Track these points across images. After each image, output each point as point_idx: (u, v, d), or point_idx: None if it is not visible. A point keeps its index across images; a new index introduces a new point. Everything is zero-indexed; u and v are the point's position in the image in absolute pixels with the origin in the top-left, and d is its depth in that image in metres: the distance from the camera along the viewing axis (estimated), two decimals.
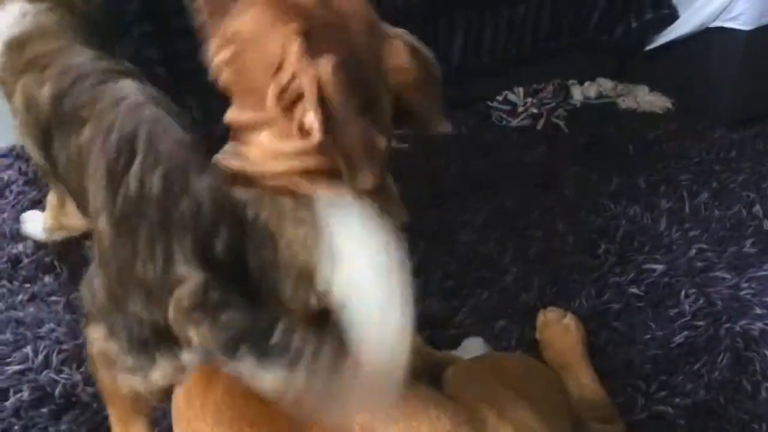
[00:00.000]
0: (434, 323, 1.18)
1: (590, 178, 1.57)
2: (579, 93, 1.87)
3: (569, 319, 1.13)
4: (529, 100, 1.83)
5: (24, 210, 1.42)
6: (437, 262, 1.31)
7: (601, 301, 1.22)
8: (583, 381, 1.04)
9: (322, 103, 0.62)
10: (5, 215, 1.43)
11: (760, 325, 1.18)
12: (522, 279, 1.27)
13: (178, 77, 1.51)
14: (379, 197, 0.68)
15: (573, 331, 1.11)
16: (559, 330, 1.12)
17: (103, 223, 0.75)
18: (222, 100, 1.43)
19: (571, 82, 1.88)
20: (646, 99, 1.86)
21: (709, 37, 1.69)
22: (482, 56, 1.76)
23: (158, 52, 1.47)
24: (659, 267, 1.29)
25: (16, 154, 1.57)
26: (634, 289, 1.25)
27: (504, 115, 1.81)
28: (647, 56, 1.86)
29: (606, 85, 1.90)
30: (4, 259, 1.32)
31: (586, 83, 1.90)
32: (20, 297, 1.24)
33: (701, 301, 1.22)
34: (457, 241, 1.37)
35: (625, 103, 1.86)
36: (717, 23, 1.66)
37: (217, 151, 0.73)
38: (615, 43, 1.86)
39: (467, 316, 1.20)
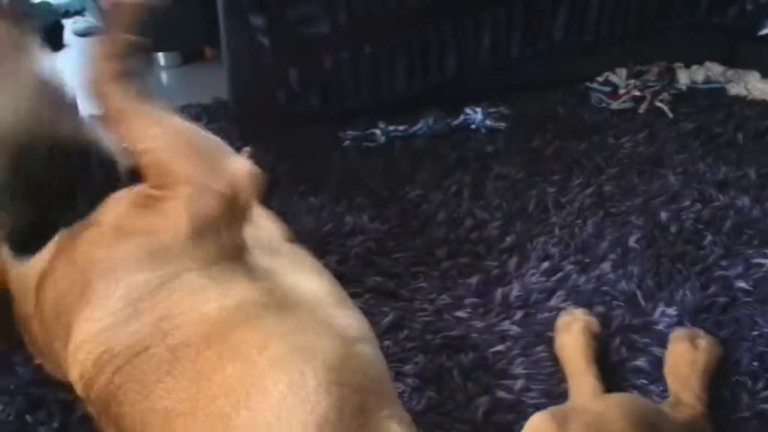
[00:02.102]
0: (528, 303, 1.17)
1: (696, 166, 1.51)
2: (686, 77, 1.80)
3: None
4: (632, 82, 1.78)
5: None
6: (534, 242, 1.30)
7: (705, 294, 1.18)
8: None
9: None
10: None
11: None
12: (620, 266, 1.24)
13: (282, 48, 1.54)
14: None
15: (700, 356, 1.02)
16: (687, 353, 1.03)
17: None
18: (323, 69, 1.47)
19: (677, 64, 1.81)
20: (758, 86, 1.77)
21: None
22: (585, 33, 1.71)
23: (264, 21, 1.49)
24: None
25: None
26: (741, 284, 1.19)
27: (604, 97, 1.76)
28: (760, 41, 1.77)
29: (715, 69, 1.82)
30: None
31: (694, 67, 1.82)
32: None
33: None
34: (554, 223, 1.34)
35: (734, 89, 1.78)
36: None
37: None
38: (727, 26, 1.77)
39: (563, 299, 1.17)
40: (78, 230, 0.87)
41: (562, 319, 1.08)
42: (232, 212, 0.83)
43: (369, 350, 0.83)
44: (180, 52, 2.14)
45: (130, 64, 0.89)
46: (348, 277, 1.22)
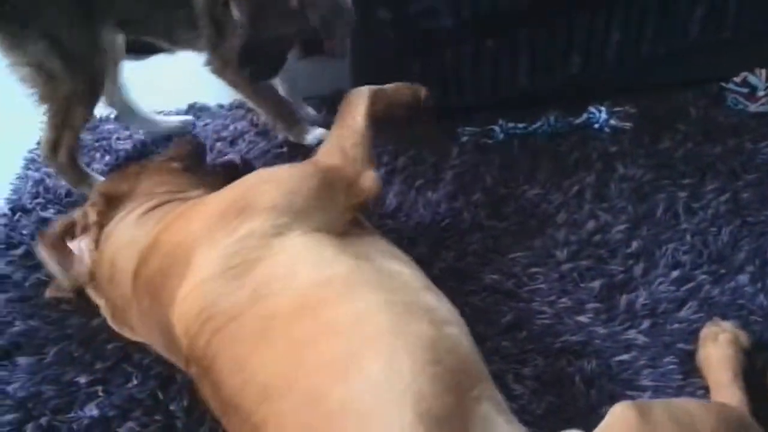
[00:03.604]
0: (656, 312, 1.11)
1: None
2: None
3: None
4: None
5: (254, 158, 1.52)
6: (663, 248, 1.23)
7: None
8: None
9: None
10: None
11: None
12: (759, 279, 1.16)
13: (405, 41, 1.54)
14: None
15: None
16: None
17: None
18: (444, 63, 1.51)
19: None
20: None
21: None
22: (724, 29, 1.60)
23: (390, 14, 1.49)
24: None
25: (248, 107, 1.69)
26: None
27: (741, 99, 1.65)
28: None
29: None
30: None
31: None
32: None
33: None
34: (685, 229, 1.27)
35: None
36: None
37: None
38: None
39: (695, 310, 1.11)
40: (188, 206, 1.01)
41: (709, 330, 1.02)
42: (353, 197, 1.01)
43: (458, 332, 0.85)
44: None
45: None
46: (465, 274, 1.21)
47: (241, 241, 0.87)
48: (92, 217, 1.08)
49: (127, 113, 1.63)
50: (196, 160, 1.31)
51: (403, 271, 0.93)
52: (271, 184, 0.97)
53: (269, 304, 0.82)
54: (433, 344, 0.78)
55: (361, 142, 1.08)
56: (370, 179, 1.05)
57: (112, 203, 1.11)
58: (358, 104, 1.13)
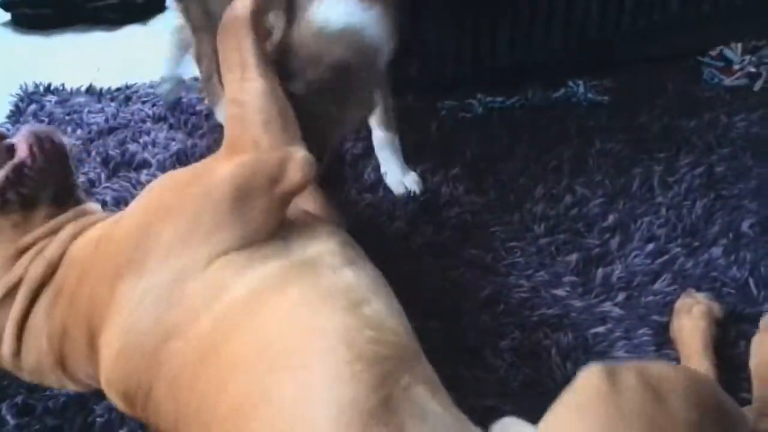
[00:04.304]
0: (632, 285, 1.13)
1: None
2: None
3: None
4: (747, 57, 1.66)
5: None
6: (638, 222, 1.24)
7: None
8: None
9: None
10: None
11: None
12: (732, 252, 1.17)
13: None
14: None
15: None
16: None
17: None
18: (424, 38, 1.41)
19: None
20: None
21: None
22: (704, 3, 1.61)
23: None
24: None
25: None
26: None
27: (717, 72, 1.66)
28: None
29: None
30: None
31: None
32: None
33: None
34: (660, 203, 1.28)
35: None
36: None
37: None
38: None
39: (669, 282, 1.12)
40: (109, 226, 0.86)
41: (683, 301, 1.03)
42: (278, 192, 0.82)
43: (381, 308, 0.77)
44: None
45: (271, 20, 0.90)
46: (444, 249, 1.21)
47: (142, 302, 0.77)
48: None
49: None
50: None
51: (321, 250, 0.82)
52: (167, 221, 0.80)
53: (174, 361, 0.74)
54: (351, 337, 0.71)
55: (268, 110, 0.85)
56: (295, 165, 0.83)
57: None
58: (241, 38, 0.87)
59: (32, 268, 0.85)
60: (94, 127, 1.55)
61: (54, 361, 0.85)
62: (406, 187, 1.33)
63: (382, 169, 1.36)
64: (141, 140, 1.52)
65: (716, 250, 1.18)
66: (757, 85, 1.63)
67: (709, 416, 0.65)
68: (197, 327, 0.74)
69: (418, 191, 1.32)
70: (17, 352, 0.86)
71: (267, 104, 0.85)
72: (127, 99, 1.67)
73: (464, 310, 1.09)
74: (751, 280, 1.12)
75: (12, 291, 0.85)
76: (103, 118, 1.60)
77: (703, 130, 1.47)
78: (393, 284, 0.85)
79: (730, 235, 1.21)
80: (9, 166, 0.89)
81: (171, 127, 1.56)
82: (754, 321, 1.04)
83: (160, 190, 0.84)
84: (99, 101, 1.65)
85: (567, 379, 0.97)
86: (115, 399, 0.82)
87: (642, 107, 1.55)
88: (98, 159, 1.46)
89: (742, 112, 1.53)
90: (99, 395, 0.97)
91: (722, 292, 1.10)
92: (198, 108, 1.62)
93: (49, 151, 0.91)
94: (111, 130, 1.55)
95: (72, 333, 0.83)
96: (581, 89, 1.60)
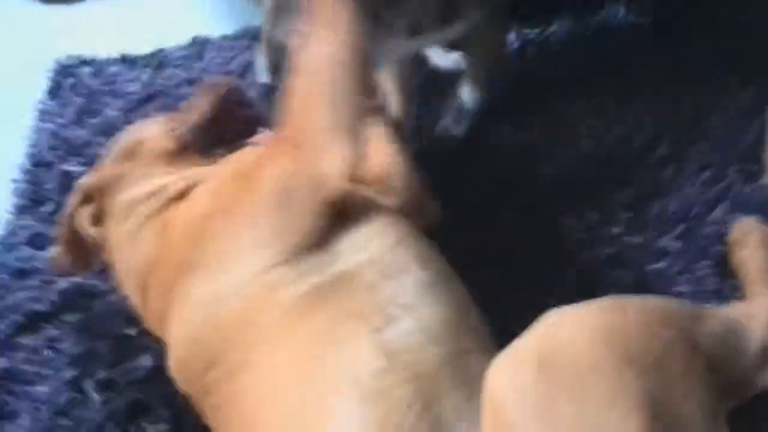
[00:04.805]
0: (688, 217, 1.11)
1: None
2: None
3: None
4: None
5: None
6: (689, 150, 1.21)
7: None
8: None
9: None
10: None
11: None
12: None
13: None
14: None
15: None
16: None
17: None
18: None
19: None
20: None
21: None
22: None
23: None
24: None
25: (252, 36, 1.64)
26: None
27: None
28: None
29: None
30: None
31: None
32: None
33: None
34: (712, 126, 1.25)
35: None
36: None
37: None
38: None
39: (727, 211, 1.10)
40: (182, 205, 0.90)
41: (738, 231, 1.02)
42: (316, 198, 0.78)
43: (409, 325, 0.71)
44: None
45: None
46: (488, 198, 1.20)
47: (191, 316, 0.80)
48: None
49: None
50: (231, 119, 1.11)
51: (363, 260, 0.77)
52: (222, 227, 0.81)
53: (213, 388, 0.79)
54: (380, 374, 0.66)
55: (341, 93, 0.79)
56: (331, 163, 0.77)
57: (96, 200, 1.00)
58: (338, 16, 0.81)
59: (172, 185, 0.93)
60: (133, 97, 1.56)
61: (139, 281, 0.91)
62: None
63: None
64: (181, 106, 1.52)
65: None
66: None
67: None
68: (232, 358, 0.74)
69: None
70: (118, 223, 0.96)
71: (345, 77, 0.79)
72: (160, 64, 1.67)
73: (520, 255, 1.09)
74: None
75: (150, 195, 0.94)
76: (139, 85, 1.60)
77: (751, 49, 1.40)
78: None
79: None
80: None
81: None
82: None
83: (222, 184, 0.86)
84: (133, 69, 1.64)
85: None
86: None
87: (686, 27, 1.48)
88: None
89: None
90: None
91: None
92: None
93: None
94: (149, 98, 1.56)
95: (160, 273, 0.87)
96: (621, 12, 1.54)
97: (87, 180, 1.04)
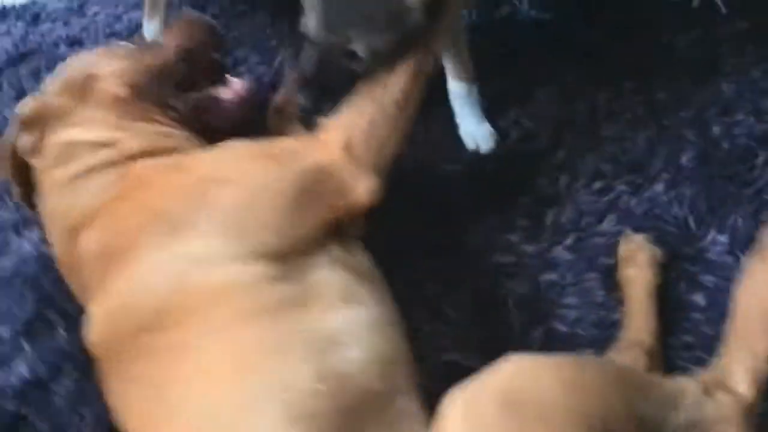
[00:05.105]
0: (579, 227, 1.15)
1: (749, 72, 1.43)
2: None
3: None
4: None
5: None
6: (584, 157, 1.25)
7: (757, 221, 1.16)
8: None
9: None
10: None
11: None
12: (672, 188, 1.21)
13: None
14: None
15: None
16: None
17: None
18: None
19: None
20: None
21: None
22: None
23: None
24: None
25: None
26: None
27: None
28: None
29: None
30: None
31: None
32: None
33: None
34: (606, 136, 1.29)
35: None
36: None
37: None
38: None
39: (614, 223, 1.16)
40: (161, 168, 0.86)
41: (626, 248, 1.06)
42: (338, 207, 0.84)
43: (356, 355, 0.73)
44: None
45: None
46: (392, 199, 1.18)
47: (174, 261, 0.76)
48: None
49: None
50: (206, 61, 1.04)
51: (328, 280, 0.79)
52: (225, 194, 0.80)
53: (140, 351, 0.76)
54: (309, 400, 0.68)
55: (394, 126, 0.90)
56: (365, 187, 0.85)
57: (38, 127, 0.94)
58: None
59: (133, 141, 0.91)
60: (2, 55, 1.40)
61: (70, 228, 0.86)
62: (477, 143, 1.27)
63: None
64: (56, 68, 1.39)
65: (658, 186, 1.21)
66: (696, 2, 1.61)
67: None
68: (174, 330, 0.72)
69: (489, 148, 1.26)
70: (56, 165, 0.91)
71: (387, 123, 0.89)
72: (36, 18, 1.50)
73: (418, 259, 1.09)
74: (690, 218, 1.16)
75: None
76: (9, 42, 1.44)
77: (643, 53, 1.46)
78: None
79: (671, 169, 1.24)
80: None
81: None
82: (692, 260, 1.10)
83: (240, 155, 0.85)
84: (2, 21, 1.48)
85: (525, 331, 1.02)
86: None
87: (583, 26, 1.51)
88: (12, 93, 1.33)
89: (681, 32, 1.52)
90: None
91: (664, 231, 1.14)
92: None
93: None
94: (22, 57, 1.41)
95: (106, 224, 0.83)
96: (525, 5, 1.55)
97: (27, 106, 0.97)
